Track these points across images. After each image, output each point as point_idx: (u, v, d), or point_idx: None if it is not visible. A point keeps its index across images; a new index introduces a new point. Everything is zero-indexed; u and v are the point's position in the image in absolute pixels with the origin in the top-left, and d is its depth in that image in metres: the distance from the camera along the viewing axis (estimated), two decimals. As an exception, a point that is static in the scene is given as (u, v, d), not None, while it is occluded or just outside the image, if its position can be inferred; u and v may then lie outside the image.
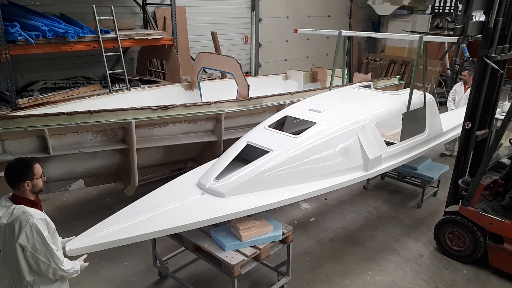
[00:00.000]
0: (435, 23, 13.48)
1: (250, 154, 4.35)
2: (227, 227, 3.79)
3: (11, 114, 4.75)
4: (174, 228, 3.48)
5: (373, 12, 12.97)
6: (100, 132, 4.64)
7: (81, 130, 4.51)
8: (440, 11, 13.17)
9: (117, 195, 5.85)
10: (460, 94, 7.57)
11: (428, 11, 13.45)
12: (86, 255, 3.14)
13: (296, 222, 5.42)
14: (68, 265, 2.86)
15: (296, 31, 6.55)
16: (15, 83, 6.27)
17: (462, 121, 4.71)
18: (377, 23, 13.92)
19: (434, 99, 5.80)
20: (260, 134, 4.59)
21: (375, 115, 4.94)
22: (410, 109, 5.20)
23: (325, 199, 6.06)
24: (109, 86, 6.86)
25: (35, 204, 2.85)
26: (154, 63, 8.51)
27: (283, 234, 3.81)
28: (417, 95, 5.45)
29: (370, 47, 14.40)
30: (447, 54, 12.67)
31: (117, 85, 7.28)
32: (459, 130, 4.95)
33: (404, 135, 5.24)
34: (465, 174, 4.77)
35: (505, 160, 4.83)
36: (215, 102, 5.34)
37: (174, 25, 7.92)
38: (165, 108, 4.92)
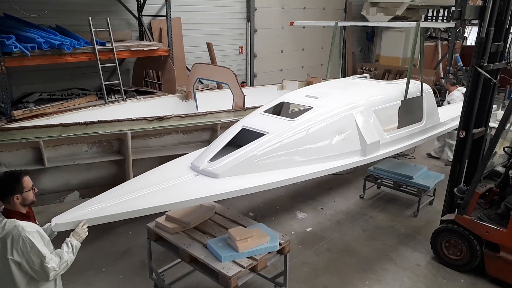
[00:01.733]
0: (428, 33, 13.64)
1: (245, 140, 4.27)
2: (224, 238, 3.77)
3: (6, 126, 4.73)
4: (167, 205, 3.40)
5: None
6: (96, 143, 4.63)
7: (76, 141, 4.50)
8: (433, 21, 13.35)
9: (113, 206, 5.81)
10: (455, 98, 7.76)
11: (422, 20, 13.61)
12: (85, 221, 3.06)
13: (292, 232, 5.41)
14: (61, 258, 2.80)
15: (292, 23, 6.65)
16: (10, 94, 6.26)
17: (459, 113, 4.65)
18: (371, 33, 14.06)
19: (431, 89, 5.86)
20: (256, 119, 4.54)
21: (372, 101, 4.93)
22: (407, 97, 5.21)
23: (322, 208, 6.06)
24: (104, 97, 6.86)
25: (27, 217, 2.82)
26: (150, 74, 8.53)
27: (280, 244, 3.79)
28: (415, 84, 5.48)
29: (364, 57, 14.52)
30: (440, 63, 12.80)
31: (112, 96, 7.28)
32: (457, 122, 4.91)
33: (402, 123, 5.24)
34: (460, 182, 4.79)
35: (500, 169, 4.86)
36: (211, 113, 5.35)
37: (170, 36, 7.96)
38: (161, 118, 4.93)
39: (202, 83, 8.59)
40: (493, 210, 4.52)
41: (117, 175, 4.99)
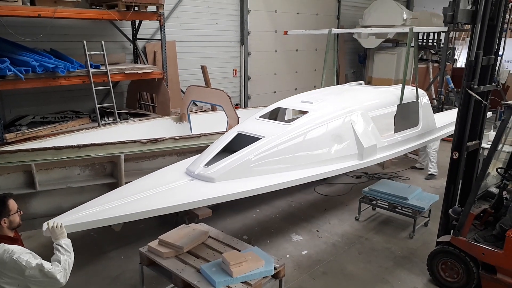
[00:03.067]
0: (420, 55, 13.89)
1: (240, 145, 4.23)
2: (218, 262, 3.71)
3: (-3, 149, 4.69)
4: (163, 208, 3.33)
5: (359, 45, 13.33)
6: (88, 166, 4.60)
7: (68, 164, 4.46)
8: (424, 43, 13.61)
9: (105, 231, 5.71)
10: None
11: (412, 44, 13.86)
12: (55, 223, 2.98)
13: (288, 255, 5.34)
14: (60, 260, 2.74)
15: (286, 33, 6.76)
16: (3, 117, 6.24)
17: (455, 119, 4.65)
18: (363, 55, 14.29)
19: (426, 94, 5.92)
20: (251, 124, 4.52)
21: (368, 105, 4.94)
22: (403, 102, 5.24)
23: (317, 231, 6.01)
24: (98, 120, 6.85)
25: (15, 241, 2.79)
26: (144, 96, 8.56)
27: (275, 268, 3.73)
28: (410, 89, 5.53)
29: (357, 79, 14.69)
30: (432, 85, 12.99)
31: (106, 119, 7.28)
32: (453, 127, 4.91)
33: (398, 128, 5.24)
34: (455, 203, 4.79)
35: (494, 189, 4.87)
36: (205, 135, 5.35)
37: (164, 59, 8.03)
38: (154, 141, 4.92)
39: (196, 105, 8.62)
40: (489, 231, 4.50)
41: (110, 199, 4.92)
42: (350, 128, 4.49)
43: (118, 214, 3.21)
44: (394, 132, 5.19)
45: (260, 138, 4.08)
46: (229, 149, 4.22)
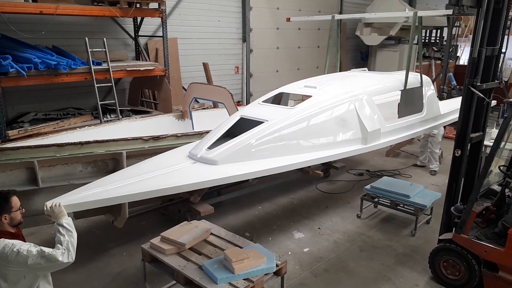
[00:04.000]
0: (422, 52, 13.84)
1: (243, 129, 4.19)
2: (220, 259, 3.72)
3: (0, 146, 4.71)
4: (166, 189, 3.30)
5: (361, 42, 13.30)
6: (91, 163, 4.60)
7: (71, 161, 4.47)
8: (426, 41, 13.57)
9: (107, 227, 5.74)
10: None
11: (415, 42, 13.83)
12: (55, 202, 2.95)
13: (289, 252, 5.34)
14: (61, 241, 2.74)
15: (288, 19, 6.75)
16: (5, 114, 6.25)
17: (459, 106, 4.59)
18: (365, 52, 14.25)
19: (430, 80, 5.90)
20: (254, 108, 4.48)
21: (372, 90, 4.90)
22: (407, 88, 5.22)
23: (319, 228, 6.01)
24: (100, 117, 6.86)
25: (16, 236, 2.80)
26: (146, 93, 8.56)
27: (277, 265, 3.73)
28: (414, 76, 5.51)
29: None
30: (435, 82, 12.94)
31: (108, 116, 7.28)
32: (457, 114, 4.84)
33: (402, 113, 5.22)
34: (457, 201, 4.78)
35: (496, 187, 4.86)
36: (207, 132, 5.34)
37: (166, 56, 8.03)
38: (156, 138, 4.91)
39: (198, 102, 8.62)
40: (491, 229, 4.49)
41: (112, 195, 4.93)
42: (354, 112, 4.43)
43: (119, 194, 3.17)
44: (398, 117, 5.16)
45: (263, 122, 4.05)
46: (232, 133, 4.18)
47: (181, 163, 3.74)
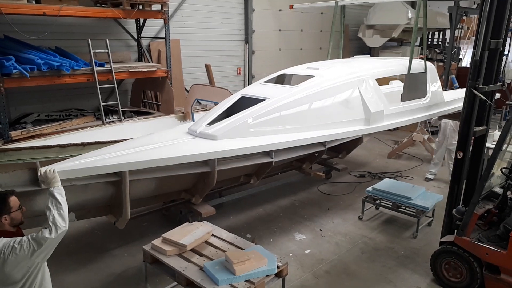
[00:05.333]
0: (426, 39, 13.84)
1: (244, 108, 4.14)
2: (221, 261, 3.72)
3: (3, 147, 4.72)
4: (164, 159, 3.27)
5: (363, 44, 13.29)
6: (93, 164, 4.60)
7: (73, 162, 4.47)
8: (429, 43, 13.54)
9: (109, 228, 5.76)
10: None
11: (417, 43, 13.82)
12: (49, 168, 2.96)
13: (291, 254, 5.34)
14: (48, 224, 2.74)
15: (292, 7, 6.78)
16: (8, 115, 6.28)
17: (463, 95, 4.55)
18: (367, 54, 14.23)
19: (434, 67, 5.91)
20: (255, 88, 4.45)
21: (376, 72, 4.88)
22: (410, 72, 5.21)
23: (320, 230, 6.00)
24: (102, 118, 6.88)
25: (16, 235, 2.80)
26: (148, 94, 8.58)
27: (278, 267, 3.74)
28: (418, 62, 5.50)
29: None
30: (436, 85, 12.92)
31: (110, 117, 7.30)
32: (461, 103, 4.83)
33: (405, 97, 5.20)
34: (458, 203, 4.77)
35: (498, 190, 4.85)
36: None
37: (169, 57, 8.04)
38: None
39: (200, 103, 8.63)
40: (492, 232, 4.48)
41: (114, 197, 4.94)
42: (357, 92, 4.39)
43: (116, 162, 3.14)
44: (401, 101, 5.15)
45: (264, 100, 4.03)
46: (232, 112, 4.14)
47: (180, 138, 3.71)
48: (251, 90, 4.37)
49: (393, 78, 6.18)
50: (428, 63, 5.68)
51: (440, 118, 7.62)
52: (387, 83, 5.86)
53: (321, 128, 4.15)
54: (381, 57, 6.01)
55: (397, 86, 5.59)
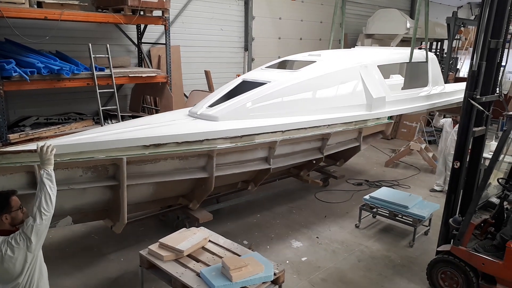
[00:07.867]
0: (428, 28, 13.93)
1: (245, 91, 4.16)
2: (217, 267, 3.72)
3: (1, 149, 4.71)
4: (163, 136, 3.24)
5: (362, 53, 13.38)
6: (91, 168, 4.60)
7: (71, 166, 4.46)
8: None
9: (106, 232, 5.74)
10: (448, 130, 7.70)
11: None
12: (47, 145, 2.95)
13: (287, 261, 5.34)
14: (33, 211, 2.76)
15: None
16: (7, 118, 6.28)
17: (465, 86, 4.52)
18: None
19: (436, 57, 5.96)
20: (256, 73, 4.47)
21: (378, 59, 4.90)
22: (412, 61, 5.23)
23: (317, 237, 6.00)
24: (101, 122, 6.88)
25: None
26: (147, 99, 8.61)
27: (275, 274, 3.74)
28: (420, 52, 5.55)
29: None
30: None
31: (109, 121, 7.31)
32: (461, 94, 4.81)
33: (407, 85, 5.22)
34: (455, 213, 4.79)
35: (494, 200, 4.87)
36: (207, 139, 5.35)
37: (169, 63, 8.08)
38: (157, 144, 4.92)
39: (199, 109, 8.66)
40: (489, 242, 4.49)
41: (111, 201, 4.94)
42: (359, 78, 4.41)
43: (115, 138, 3.13)
44: (402, 89, 5.17)
45: (266, 83, 4.03)
46: (233, 96, 4.16)
47: (181, 120, 3.71)
48: (252, 75, 4.40)
49: (394, 72, 6.23)
50: (430, 54, 5.72)
51: (441, 115, 7.64)
52: (388, 78, 5.90)
53: (321, 113, 4.17)
54: (383, 47, 6.05)
55: (398, 80, 5.64)
